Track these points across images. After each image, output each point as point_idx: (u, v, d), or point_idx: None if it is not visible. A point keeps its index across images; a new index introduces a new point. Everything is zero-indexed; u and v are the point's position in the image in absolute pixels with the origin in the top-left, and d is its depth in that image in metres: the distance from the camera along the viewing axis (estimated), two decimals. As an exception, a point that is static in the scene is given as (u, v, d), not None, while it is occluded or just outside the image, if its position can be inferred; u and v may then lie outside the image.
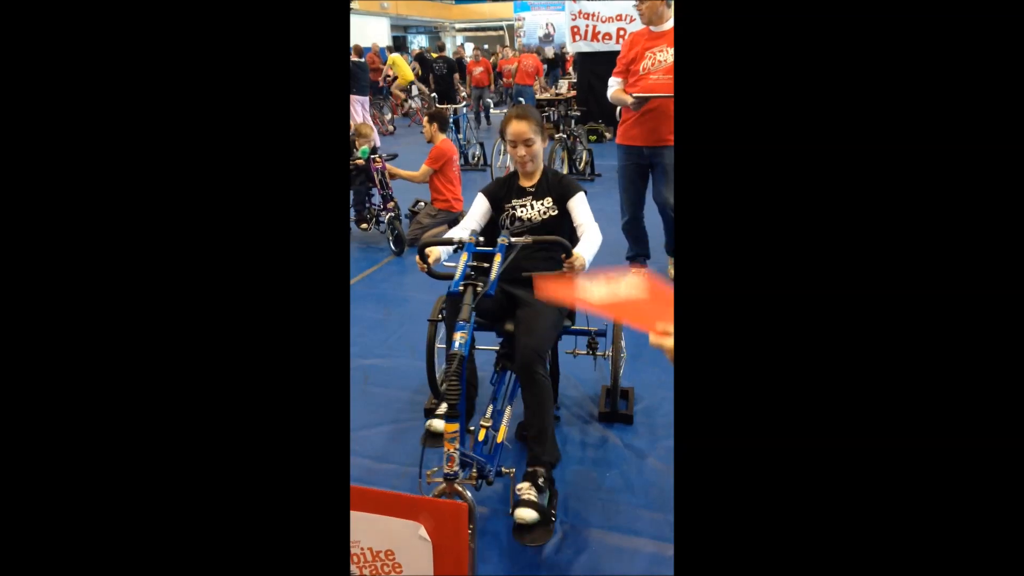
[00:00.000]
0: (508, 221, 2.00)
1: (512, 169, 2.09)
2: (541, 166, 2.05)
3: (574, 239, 1.94)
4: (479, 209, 2.04)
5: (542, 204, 1.99)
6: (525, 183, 2.03)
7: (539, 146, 1.98)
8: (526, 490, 1.61)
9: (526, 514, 1.56)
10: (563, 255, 1.70)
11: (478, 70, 9.54)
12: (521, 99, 7.80)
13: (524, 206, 2.00)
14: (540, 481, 1.63)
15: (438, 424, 1.73)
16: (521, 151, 1.95)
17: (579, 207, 1.97)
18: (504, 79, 10.80)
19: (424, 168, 4.18)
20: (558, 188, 2.00)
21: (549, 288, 1.21)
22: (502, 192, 2.04)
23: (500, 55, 12.43)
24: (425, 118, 4.32)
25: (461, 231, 1.93)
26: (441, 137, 4.22)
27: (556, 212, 1.98)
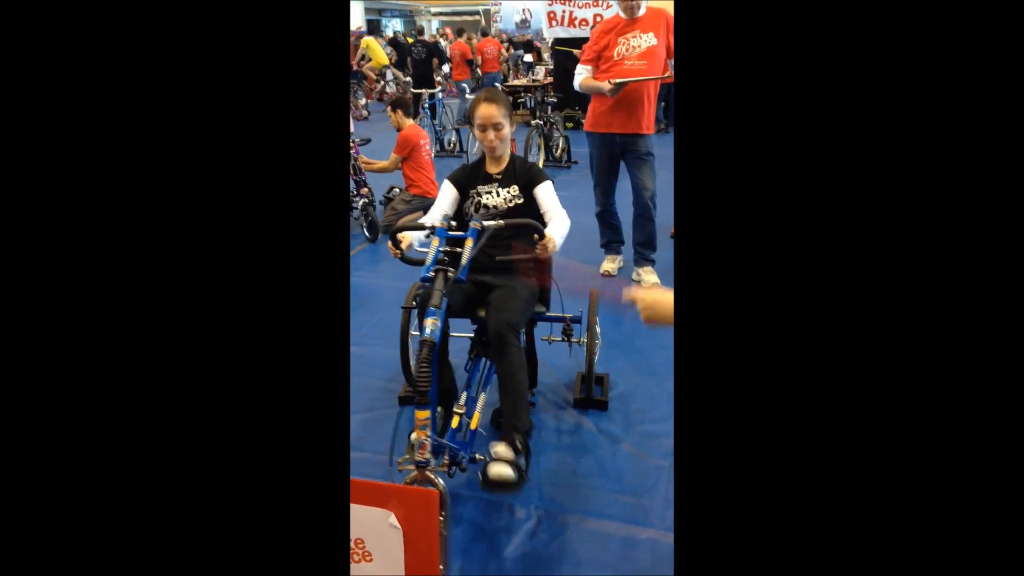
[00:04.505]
0: (473, 208, 1.99)
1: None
2: (509, 152, 2.03)
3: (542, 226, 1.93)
4: (446, 197, 2.01)
5: (508, 191, 1.97)
6: (492, 169, 2.01)
7: (508, 130, 1.96)
8: (503, 451, 1.60)
9: (503, 470, 1.54)
10: (535, 236, 1.70)
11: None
12: (497, 84, 7.74)
13: (490, 193, 1.98)
14: (517, 443, 1.63)
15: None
16: (490, 135, 1.93)
17: (546, 195, 1.95)
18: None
19: (392, 157, 4.13)
20: (525, 176, 1.98)
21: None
22: (469, 178, 2.02)
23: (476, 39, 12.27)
24: (388, 107, 4.25)
25: (432, 218, 1.90)
26: (408, 123, 4.15)
27: (522, 200, 1.97)
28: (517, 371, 1.71)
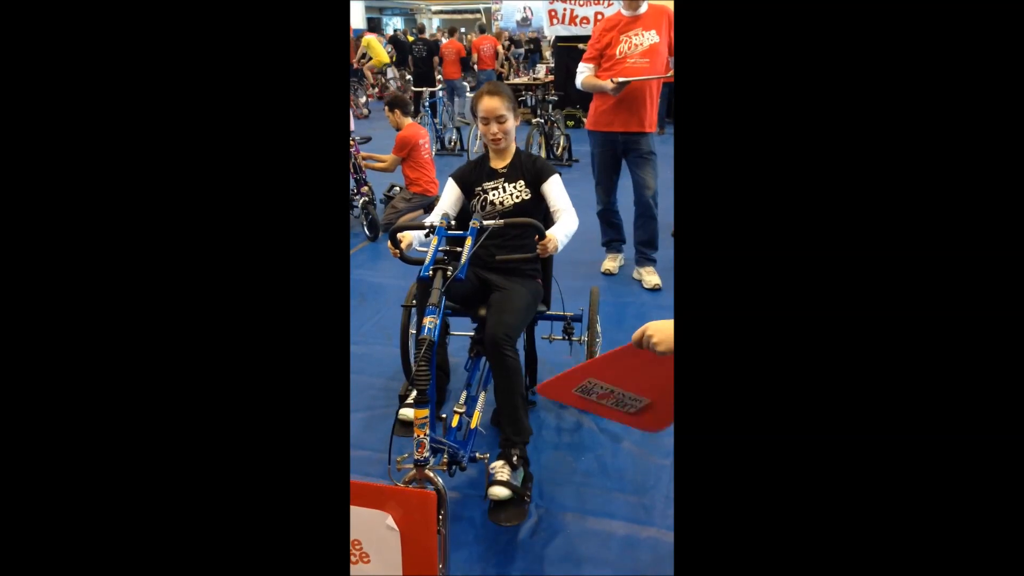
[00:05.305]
0: (480, 206, 1.96)
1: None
2: (514, 146, 1.99)
3: (549, 223, 1.90)
4: (451, 195, 1.98)
5: (514, 187, 1.94)
6: (497, 164, 1.97)
7: (512, 123, 1.92)
8: (499, 469, 1.62)
9: (499, 491, 1.58)
10: (536, 237, 1.68)
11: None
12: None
13: (496, 189, 1.94)
14: (514, 459, 1.65)
15: (409, 412, 1.67)
16: (494, 128, 1.89)
17: (554, 191, 1.91)
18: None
19: (391, 157, 4.12)
20: (532, 170, 1.94)
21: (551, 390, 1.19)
22: (473, 175, 1.98)
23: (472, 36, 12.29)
24: (386, 107, 4.24)
25: (435, 217, 1.88)
26: (407, 122, 4.14)
27: (529, 196, 1.93)
28: (514, 382, 1.70)
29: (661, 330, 0.95)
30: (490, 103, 1.87)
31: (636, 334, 0.99)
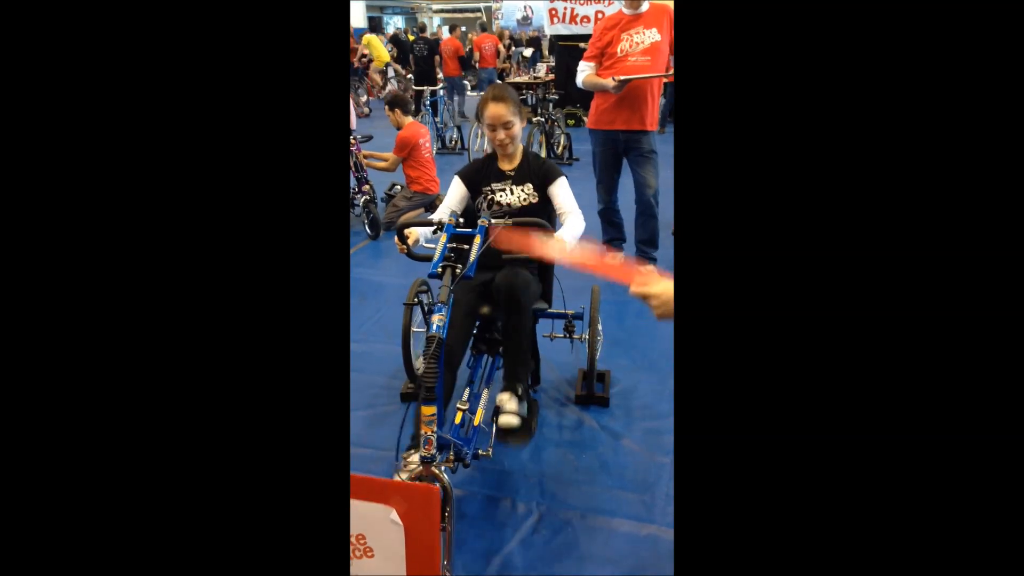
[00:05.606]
0: (486, 205, 1.95)
1: (490, 150, 2.05)
2: (521, 148, 1.98)
3: (556, 225, 1.91)
4: (456, 193, 1.98)
5: (523, 190, 1.94)
6: (505, 166, 1.97)
7: (519, 127, 1.91)
8: (507, 401, 1.73)
9: (509, 420, 1.69)
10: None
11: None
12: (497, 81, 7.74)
13: (504, 191, 1.94)
14: (519, 391, 1.75)
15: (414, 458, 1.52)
16: (501, 134, 1.88)
17: (561, 192, 1.92)
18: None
19: (392, 157, 4.13)
20: (539, 171, 1.94)
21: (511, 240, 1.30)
22: (480, 175, 1.98)
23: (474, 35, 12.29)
24: (386, 106, 4.24)
25: (443, 214, 1.89)
26: (408, 121, 4.13)
27: (537, 199, 1.93)
28: (524, 321, 1.80)
29: (666, 303, 0.93)
30: (495, 110, 1.86)
31: (637, 289, 0.95)
